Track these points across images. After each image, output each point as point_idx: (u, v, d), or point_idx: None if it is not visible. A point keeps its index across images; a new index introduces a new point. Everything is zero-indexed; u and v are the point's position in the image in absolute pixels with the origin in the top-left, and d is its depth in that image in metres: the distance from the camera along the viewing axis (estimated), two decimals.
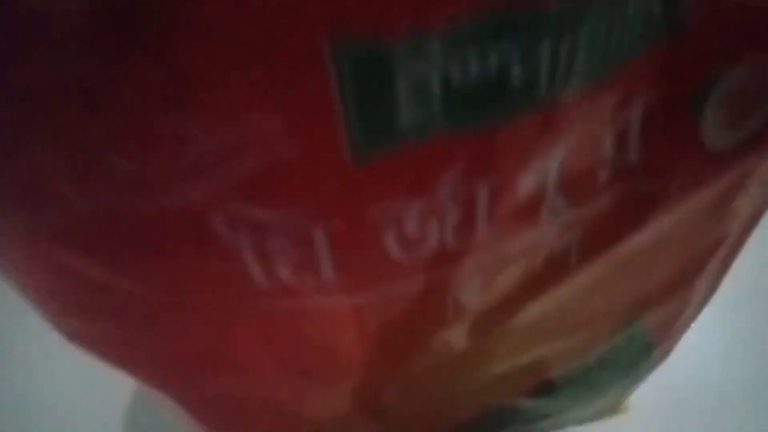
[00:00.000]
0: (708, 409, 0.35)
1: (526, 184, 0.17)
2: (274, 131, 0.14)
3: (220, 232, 0.16)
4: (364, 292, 0.18)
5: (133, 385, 0.42)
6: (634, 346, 0.27)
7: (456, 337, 0.22)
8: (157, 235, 0.16)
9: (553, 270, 0.21)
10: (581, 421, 0.33)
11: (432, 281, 0.19)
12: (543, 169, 0.17)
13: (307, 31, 0.13)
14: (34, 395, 0.44)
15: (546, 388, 0.27)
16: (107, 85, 0.13)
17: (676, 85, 0.17)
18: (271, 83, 0.14)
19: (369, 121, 0.14)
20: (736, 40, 0.17)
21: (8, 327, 0.47)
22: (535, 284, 0.21)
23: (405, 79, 0.14)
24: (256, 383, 0.22)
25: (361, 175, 0.15)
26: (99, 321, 0.19)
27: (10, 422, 0.43)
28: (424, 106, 0.14)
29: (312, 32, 0.13)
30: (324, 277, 0.17)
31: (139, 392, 0.43)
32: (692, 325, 0.28)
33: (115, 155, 0.14)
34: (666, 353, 0.29)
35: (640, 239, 0.21)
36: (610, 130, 0.17)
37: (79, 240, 0.16)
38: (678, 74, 0.17)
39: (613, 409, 0.34)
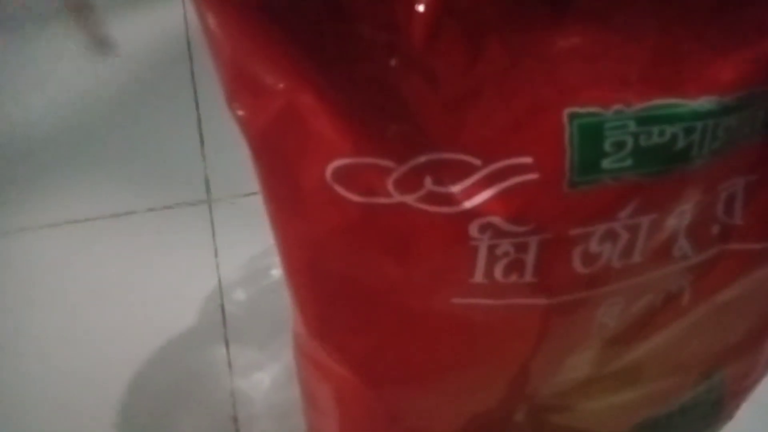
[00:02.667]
0: None
1: (669, 223, 0.24)
2: (524, 165, 0.22)
3: (471, 234, 0.23)
4: (546, 298, 0.25)
5: (131, 384, 0.47)
6: (710, 396, 0.33)
7: (583, 360, 0.29)
8: (423, 229, 0.23)
9: (669, 308, 0.28)
10: None
11: (592, 297, 0.26)
12: (680, 214, 0.24)
13: (555, 104, 0.22)
14: (33, 395, 0.46)
15: (637, 429, 0.33)
16: None
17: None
18: (528, 136, 0.22)
19: (583, 162, 0.22)
20: None
21: (8, 327, 0.50)
22: (655, 319, 0.28)
23: (609, 140, 0.22)
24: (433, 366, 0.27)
25: (571, 200, 0.23)
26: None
27: (9, 421, 0.45)
28: (619, 158, 0.22)
29: (558, 105, 0.22)
30: (524, 280, 0.24)
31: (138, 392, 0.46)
32: None
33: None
34: (730, 415, 0.36)
35: (732, 292, 0.28)
36: (722, 195, 0.25)
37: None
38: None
39: None
